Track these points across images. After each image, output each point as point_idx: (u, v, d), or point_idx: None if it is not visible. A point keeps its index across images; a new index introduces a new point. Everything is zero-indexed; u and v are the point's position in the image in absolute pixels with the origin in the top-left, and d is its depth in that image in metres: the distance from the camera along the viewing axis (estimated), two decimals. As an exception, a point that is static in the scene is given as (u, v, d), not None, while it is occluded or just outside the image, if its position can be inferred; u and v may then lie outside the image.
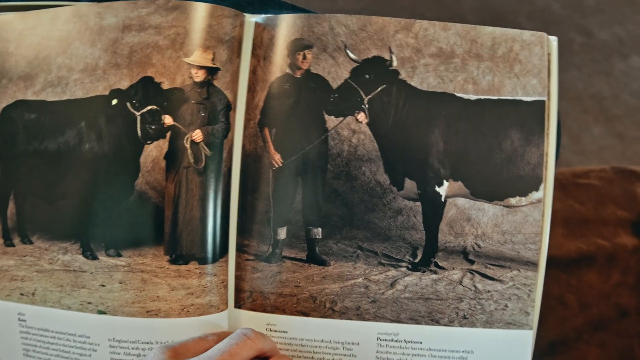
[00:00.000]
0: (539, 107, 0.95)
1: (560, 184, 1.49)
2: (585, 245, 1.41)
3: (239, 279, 0.94)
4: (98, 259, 0.94)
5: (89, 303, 0.93)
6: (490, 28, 0.96)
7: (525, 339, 0.94)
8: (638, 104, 2.56)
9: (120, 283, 0.93)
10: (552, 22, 2.55)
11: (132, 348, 0.93)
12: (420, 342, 0.94)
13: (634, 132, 2.52)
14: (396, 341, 0.94)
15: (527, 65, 0.95)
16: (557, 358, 1.33)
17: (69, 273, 0.94)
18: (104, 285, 0.93)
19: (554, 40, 0.96)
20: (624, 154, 2.48)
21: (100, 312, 0.93)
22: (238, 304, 0.94)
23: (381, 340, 0.93)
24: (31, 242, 0.96)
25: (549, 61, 0.96)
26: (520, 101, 0.95)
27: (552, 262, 1.38)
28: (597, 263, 1.40)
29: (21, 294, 0.95)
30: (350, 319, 0.93)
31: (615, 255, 1.41)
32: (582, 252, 1.40)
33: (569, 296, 1.37)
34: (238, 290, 0.94)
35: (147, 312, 0.92)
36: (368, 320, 0.93)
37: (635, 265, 1.40)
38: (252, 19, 0.94)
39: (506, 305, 0.93)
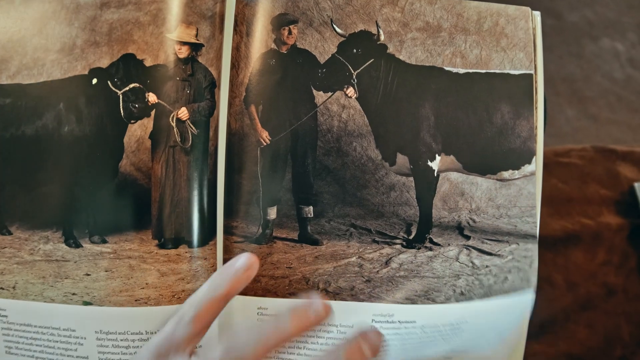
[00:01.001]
0: (527, 81, 0.94)
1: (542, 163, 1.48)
2: (571, 225, 1.40)
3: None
4: (82, 246, 0.90)
5: (74, 294, 0.89)
6: (475, 2, 0.96)
7: (524, 301, 0.93)
8: (610, 86, 2.57)
9: (106, 271, 0.89)
10: (522, 4, 2.54)
11: (121, 340, 0.89)
12: (414, 322, 0.91)
13: (607, 113, 2.53)
14: (391, 322, 0.91)
15: (513, 39, 0.95)
16: (546, 338, 1.32)
17: (51, 263, 0.91)
18: (89, 275, 0.89)
19: (537, 15, 0.96)
20: (598, 135, 2.49)
21: (86, 303, 0.89)
22: (228, 289, 0.91)
23: (376, 322, 0.91)
24: (10, 233, 0.92)
25: (534, 35, 0.95)
26: (509, 74, 0.95)
27: (539, 241, 1.37)
28: (582, 242, 1.39)
29: (1, 289, 0.91)
30: (345, 299, 0.91)
31: (600, 234, 1.40)
32: (568, 231, 1.39)
33: (556, 276, 1.36)
34: (227, 274, 0.91)
35: (135, 300, 0.88)
36: (363, 300, 0.91)
37: (620, 243, 1.40)
38: (233, -5, 0.92)
39: (506, 278, 0.92)
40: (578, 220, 1.41)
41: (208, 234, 0.89)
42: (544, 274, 1.35)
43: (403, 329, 0.91)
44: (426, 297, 0.91)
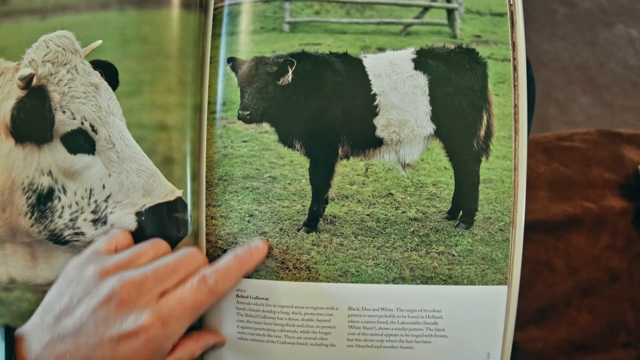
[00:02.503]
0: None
1: (544, 147, 1.46)
2: (572, 208, 1.38)
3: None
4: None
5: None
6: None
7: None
8: (624, 73, 2.54)
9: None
10: (533, -12, 2.54)
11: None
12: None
13: (622, 100, 2.50)
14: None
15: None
16: (546, 324, 1.30)
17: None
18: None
19: (516, -11, 0.94)
20: (613, 122, 2.45)
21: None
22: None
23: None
24: None
25: (512, 11, 0.93)
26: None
27: (538, 226, 1.35)
28: (584, 226, 1.37)
29: None
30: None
31: (603, 218, 1.37)
32: (569, 215, 1.37)
33: (557, 260, 1.34)
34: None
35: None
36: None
37: (624, 227, 1.37)
38: None
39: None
40: (580, 204, 1.39)
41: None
42: (544, 258, 1.33)
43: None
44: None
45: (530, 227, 1.32)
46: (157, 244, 0.86)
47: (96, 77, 0.87)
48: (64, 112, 0.83)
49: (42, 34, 0.84)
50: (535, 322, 1.30)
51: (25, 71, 0.80)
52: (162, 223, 0.88)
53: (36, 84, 0.82)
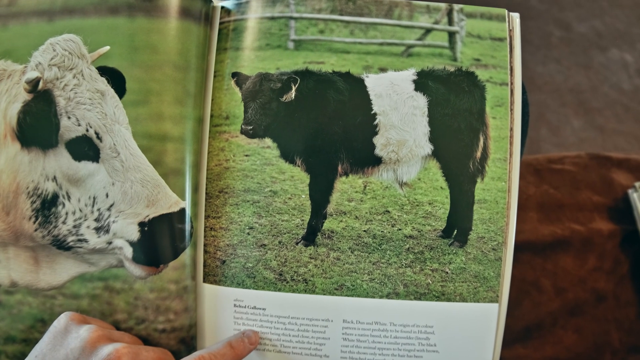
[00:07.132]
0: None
1: (534, 170, 1.48)
2: (560, 230, 1.40)
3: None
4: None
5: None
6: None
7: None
8: (617, 97, 2.56)
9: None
10: (530, 16, 2.55)
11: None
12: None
13: (614, 124, 2.52)
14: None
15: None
16: (532, 342, 1.31)
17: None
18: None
19: (516, 16, 0.96)
20: (604, 146, 2.47)
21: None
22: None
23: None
24: None
25: (511, 37, 0.95)
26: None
27: (527, 246, 1.37)
28: (572, 248, 1.39)
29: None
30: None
31: (590, 240, 1.40)
32: (557, 236, 1.39)
33: (544, 281, 1.36)
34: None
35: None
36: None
37: (612, 250, 1.39)
38: None
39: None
40: (568, 226, 1.41)
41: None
42: (532, 278, 1.35)
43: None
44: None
45: (519, 248, 1.33)
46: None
47: (102, 83, 0.86)
48: (69, 117, 0.83)
49: (49, 36, 0.84)
50: (522, 340, 1.31)
51: (32, 74, 0.80)
52: (165, 234, 0.88)
53: (42, 88, 0.81)
